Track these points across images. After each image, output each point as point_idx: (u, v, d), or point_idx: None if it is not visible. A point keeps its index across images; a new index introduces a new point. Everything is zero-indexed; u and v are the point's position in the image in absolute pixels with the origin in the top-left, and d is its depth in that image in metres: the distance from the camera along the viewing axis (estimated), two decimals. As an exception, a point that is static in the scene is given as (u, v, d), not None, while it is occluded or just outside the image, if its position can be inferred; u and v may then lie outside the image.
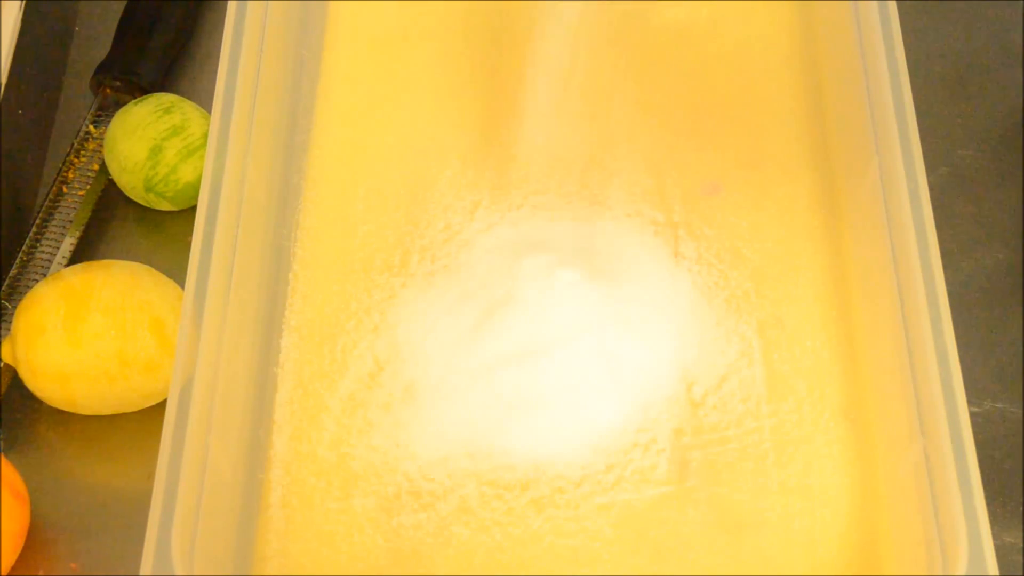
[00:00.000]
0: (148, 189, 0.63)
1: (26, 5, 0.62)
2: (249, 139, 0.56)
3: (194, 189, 0.64)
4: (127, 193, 0.65)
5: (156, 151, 0.63)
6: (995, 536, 0.54)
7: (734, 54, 0.65)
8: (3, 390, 0.60)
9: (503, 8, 0.67)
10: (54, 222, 0.64)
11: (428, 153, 0.62)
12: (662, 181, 0.61)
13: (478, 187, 0.61)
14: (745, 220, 0.60)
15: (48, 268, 0.62)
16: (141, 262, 0.60)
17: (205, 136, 0.64)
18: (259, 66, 0.58)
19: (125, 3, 0.70)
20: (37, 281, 0.61)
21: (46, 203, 0.64)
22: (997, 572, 0.46)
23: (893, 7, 0.58)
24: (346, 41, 0.66)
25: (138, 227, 0.66)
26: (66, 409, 0.58)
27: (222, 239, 0.53)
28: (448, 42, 0.66)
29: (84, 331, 0.56)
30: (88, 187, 0.65)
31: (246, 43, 0.57)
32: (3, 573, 0.54)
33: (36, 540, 0.56)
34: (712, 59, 0.65)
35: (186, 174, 0.63)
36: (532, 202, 0.61)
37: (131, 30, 0.69)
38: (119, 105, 0.66)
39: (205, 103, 0.65)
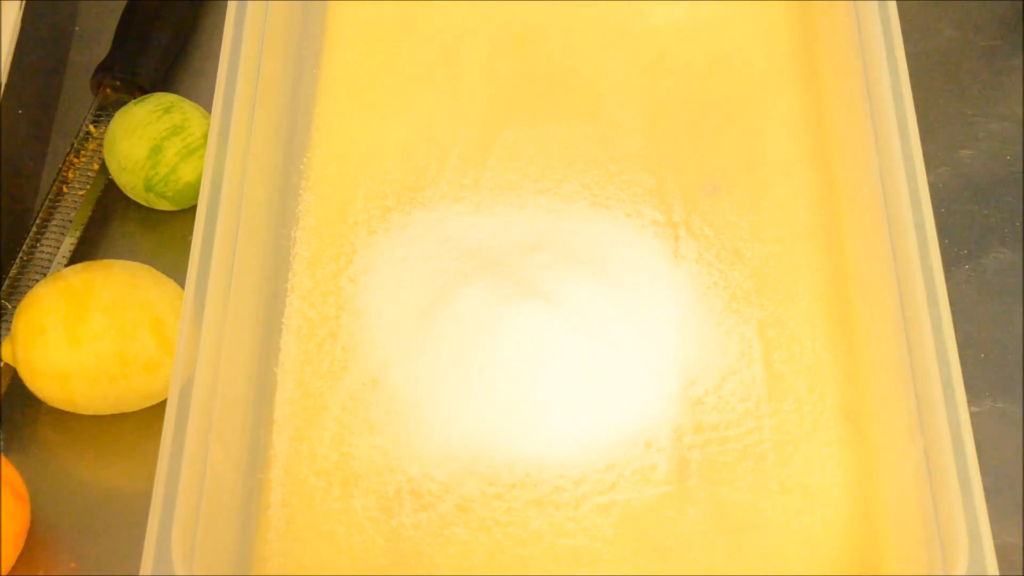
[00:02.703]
0: (148, 189, 0.63)
1: (26, 5, 0.62)
2: (249, 139, 0.56)
3: (194, 189, 0.64)
4: (127, 193, 0.65)
5: (156, 151, 0.63)
6: (995, 536, 0.54)
7: (734, 54, 0.65)
8: (3, 390, 0.60)
9: (502, 8, 0.67)
10: (54, 222, 0.64)
11: (428, 153, 0.62)
12: (662, 181, 0.61)
13: (479, 187, 0.61)
14: (745, 220, 0.60)
15: (48, 268, 0.62)
16: (141, 262, 0.60)
17: (205, 136, 0.64)
18: (259, 66, 0.58)
19: (125, 3, 0.70)
20: (37, 281, 0.61)
21: (46, 203, 0.64)
22: (997, 572, 0.46)
23: (893, 7, 0.58)
24: (346, 41, 0.66)
25: (138, 227, 0.66)
26: (66, 409, 0.58)
27: (222, 239, 0.53)
28: (448, 41, 0.66)
29: (84, 331, 0.56)
30: (88, 187, 0.65)
31: (246, 43, 0.57)
32: (3, 573, 0.54)
33: (36, 540, 0.56)
34: (712, 59, 0.65)
35: (186, 174, 0.63)
36: (533, 202, 0.61)
37: (131, 30, 0.69)
38: (119, 105, 0.66)
39: (205, 103, 0.65)
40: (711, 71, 0.64)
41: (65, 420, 0.59)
